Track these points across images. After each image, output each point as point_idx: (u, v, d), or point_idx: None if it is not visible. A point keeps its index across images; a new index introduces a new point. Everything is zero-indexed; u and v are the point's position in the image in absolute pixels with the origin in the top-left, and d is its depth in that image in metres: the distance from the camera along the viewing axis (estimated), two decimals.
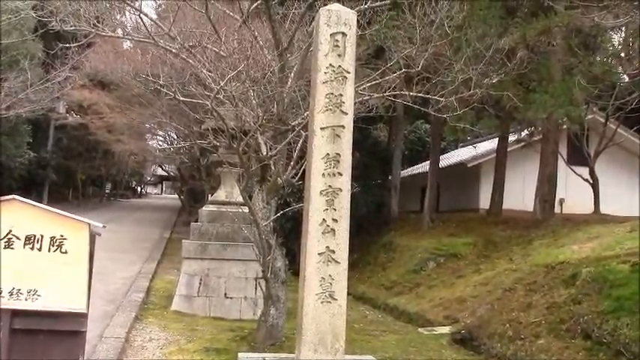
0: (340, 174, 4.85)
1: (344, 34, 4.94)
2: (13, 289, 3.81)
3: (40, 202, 4.43)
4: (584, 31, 13.23)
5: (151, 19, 7.08)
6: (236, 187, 11.33)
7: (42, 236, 3.88)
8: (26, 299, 3.74)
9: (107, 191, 48.86)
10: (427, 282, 13.73)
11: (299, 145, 8.12)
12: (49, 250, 3.85)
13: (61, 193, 36.61)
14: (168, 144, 26.17)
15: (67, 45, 10.97)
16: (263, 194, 7.61)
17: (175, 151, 19.50)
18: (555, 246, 12.21)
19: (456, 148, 28.27)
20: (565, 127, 16.11)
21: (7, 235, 3.84)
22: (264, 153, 7.38)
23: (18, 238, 3.87)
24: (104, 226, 4.17)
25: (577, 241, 11.89)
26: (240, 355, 5.26)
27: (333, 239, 4.80)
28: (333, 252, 4.79)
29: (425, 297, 12.83)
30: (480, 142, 23.72)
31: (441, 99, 8.23)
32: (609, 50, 16.52)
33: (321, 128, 4.85)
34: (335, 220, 4.81)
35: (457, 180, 21.68)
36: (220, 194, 11.43)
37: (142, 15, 7.53)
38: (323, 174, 4.82)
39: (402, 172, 22.79)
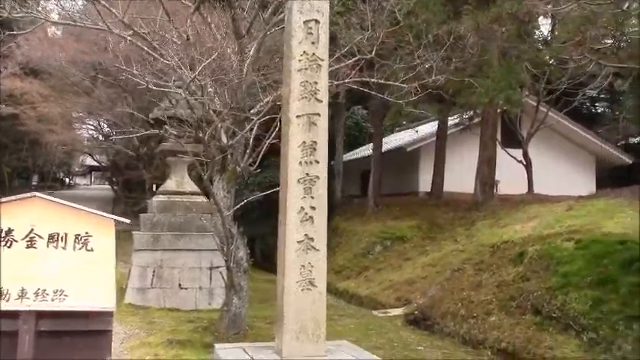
0: (317, 162, 4.87)
1: (317, 21, 4.94)
2: (39, 289, 3.65)
3: None
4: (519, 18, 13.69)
5: (104, 5, 6.80)
6: (186, 176, 11.18)
7: (66, 234, 3.74)
8: (52, 300, 3.55)
9: (34, 184, 46.81)
10: (375, 265, 13.94)
11: (253, 133, 8.06)
12: (74, 249, 3.70)
13: None
14: (100, 133, 25.39)
15: None
16: (223, 183, 7.52)
17: (113, 140, 18.95)
18: (498, 226, 12.61)
19: (392, 133, 28.64)
20: (499, 110, 16.58)
21: (28, 234, 3.67)
22: (225, 142, 7.29)
23: (41, 237, 3.70)
24: (129, 222, 4.05)
25: (518, 220, 12.32)
26: (217, 346, 5.22)
27: (312, 227, 4.82)
28: (312, 239, 4.81)
29: (374, 280, 13.02)
30: (416, 126, 24.10)
31: (395, 83, 8.33)
32: (538, 36, 17.21)
33: (297, 116, 4.85)
34: (313, 208, 4.83)
35: (396, 164, 21.98)
36: (170, 184, 11.20)
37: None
38: (300, 162, 4.83)
39: None
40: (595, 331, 7.05)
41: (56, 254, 3.68)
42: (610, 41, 12.93)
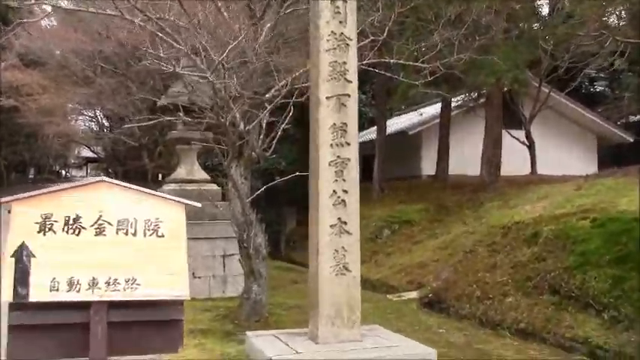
0: (348, 144, 4.79)
1: (344, 0, 4.83)
2: (110, 278, 3.51)
3: None
4: None
5: None
6: (196, 164, 11.08)
7: (135, 220, 3.63)
8: (124, 289, 3.48)
9: (31, 176, 46.49)
10: (385, 249, 13.91)
11: (266, 117, 7.97)
12: (144, 235, 3.63)
13: None
14: (100, 124, 25.16)
15: None
16: (241, 169, 7.43)
17: (114, 131, 18.75)
18: (507, 207, 12.56)
19: (391, 117, 28.40)
20: (503, 91, 16.46)
21: (97, 221, 3.54)
22: (242, 127, 7.20)
23: (110, 224, 3.57)
24: (200, 206, 3.98)
25: (527, 201, 12.28)
26: (248, 333, 5.16)
27: (345, 210, 4.75)
28: (345, 223, 4.75)
29: (384, 264, 12.98)
30: (417, 109, 23.93)
31: (416, 64, 8.23)
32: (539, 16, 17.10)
33: (327, 98, 4.76)
34: (345, 191, 4.76)
35: (398, 148, 21.85)
36: (181, 172, 11.08)
37: None
38: (331, 144, 4.74)
39: None
40: (616, 309, 7.00)
41: (126, 241, 3.59)
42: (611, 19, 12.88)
